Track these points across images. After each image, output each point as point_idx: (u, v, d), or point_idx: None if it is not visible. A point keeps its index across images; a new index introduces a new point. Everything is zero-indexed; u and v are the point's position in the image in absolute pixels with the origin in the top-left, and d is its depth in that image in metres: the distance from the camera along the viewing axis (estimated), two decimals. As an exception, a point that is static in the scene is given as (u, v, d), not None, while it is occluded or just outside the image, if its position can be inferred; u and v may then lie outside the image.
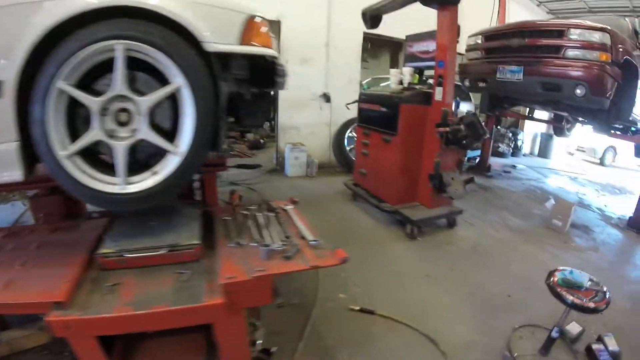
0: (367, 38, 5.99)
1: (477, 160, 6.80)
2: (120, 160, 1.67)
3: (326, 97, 5.72)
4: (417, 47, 3.99)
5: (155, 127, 1.64)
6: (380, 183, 4.14)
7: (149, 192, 1.68)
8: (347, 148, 5.68)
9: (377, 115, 4.05)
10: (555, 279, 1.86)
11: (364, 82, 6.36)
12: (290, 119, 5.70)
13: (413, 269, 3.17)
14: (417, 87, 3.81)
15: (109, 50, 1.54)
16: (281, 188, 5.24)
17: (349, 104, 4.79)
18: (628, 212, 4.80)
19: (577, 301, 1.72)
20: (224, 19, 1.67)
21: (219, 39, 1.62)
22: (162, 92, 1.64)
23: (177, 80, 1.62)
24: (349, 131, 5.55)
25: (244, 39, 1.66)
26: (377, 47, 9.76)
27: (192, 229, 1.92)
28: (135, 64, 1.59)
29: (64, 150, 1.61)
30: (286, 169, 5.70)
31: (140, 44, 1.56)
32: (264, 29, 1.76)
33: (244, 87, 1.83)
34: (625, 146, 7.61)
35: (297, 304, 2.69)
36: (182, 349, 1.95)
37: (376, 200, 4.09)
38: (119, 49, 1.53)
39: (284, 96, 5.53)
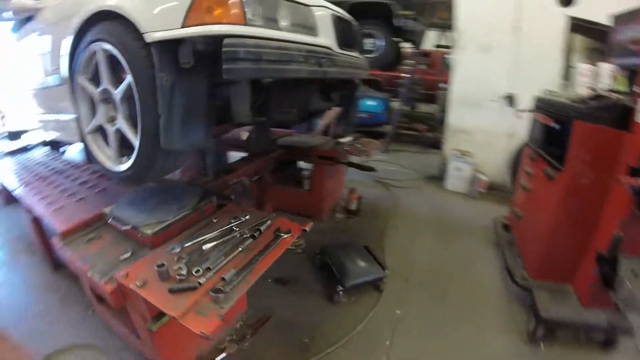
0: (579, 26, 3.82)
1: None
2: (112, 141, 1.88)
3: (510, 100, 4.18)
4: (628, 33, 2.18)
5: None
6: (527, 236, 2.76)
7: (125, 174, 1.84)
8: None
9: (545, 132, 2.62)
10: None
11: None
12: (460, 119, 4.59)
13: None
14: (616, 95, 2.14)
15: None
16: (420, 201, 4.43)
17: (521, 110, 3.31)
18: None
19: None
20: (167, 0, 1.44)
21: (159, 25, 1.43)
22: (122, 86, 1.66)
23: (128, 75, 1.61)
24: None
25: (190, 20, 1.37)
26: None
27: (164, 218, 1.91)
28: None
29: (86, 129, 1.93)
30: (445, 180, 4.73)
31: (104, 43, 1.65)
32: (232, 0, 1.38)
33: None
34: None
35: (305, 344, 2.24)
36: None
37: (514, 259, 2.77)
38: (98, 49, 1.69)
39: (457, 90, 4.48)
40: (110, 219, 1.99)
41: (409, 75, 5.96)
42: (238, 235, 1.87)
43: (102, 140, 1.99)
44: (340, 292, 2.58)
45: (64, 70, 1.97)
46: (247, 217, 2.07)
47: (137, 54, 1.50)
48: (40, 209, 2.30)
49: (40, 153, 3.47)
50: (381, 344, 2.27)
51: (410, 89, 6.27)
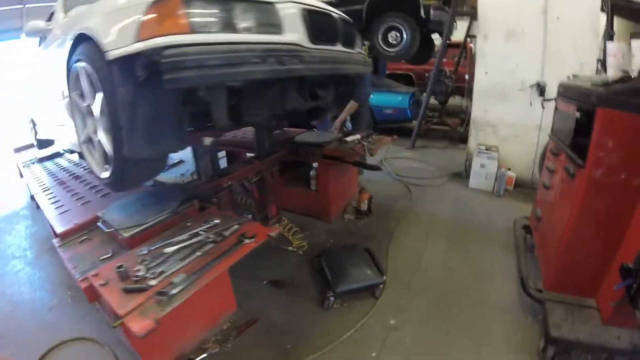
0: (617, 6, 3.13)
1: None
2: (96, 151, 1.93)
3: (540, 89, 3.62)
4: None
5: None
6: (546, 241, 2.36)
7: (107, 181, 1.89)
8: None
9: (567, 122, 2.20)
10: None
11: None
12: (486, 112, 4.10)
13: None
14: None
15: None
16: (440, 200, 4.04)
17: (547, 99, 2.81)
18: None
19: None
20: (123, 18, 1.45)
21: (116, 44, 1.45)
22: (97, 101, 1.69)
23: (100, 91, 1.65)
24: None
25: (140, 36, 1.37)
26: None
27: (142, 221, 1.96)
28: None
29: (81, 139, 2.05)
30: (470, 177, 4.29)
31: (83, 62, 1.71)
32: (178, 11, 1.36)
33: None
34: None
35: (287, 350, 2.11)
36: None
37: (532, 266, 2.39)
38: (80, 68, 1.76)
39: (481, 80, 4.02)
40: (99, 222, 2.04)
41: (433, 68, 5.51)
42: (203, 239, 1.81)
43: (94, 150, 2.04)
44: (331, 298, 2.40)
45: (64, 85, 2.08)
46: (218, 221, 2.00)
47: (104, 71, 1.52)
48: (49, 212, 2.43)
49: (66, 160, 3.66)
50: (367, 355, 2.07)
51: (439, 82, 5.81)
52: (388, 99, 6.09)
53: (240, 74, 1.44)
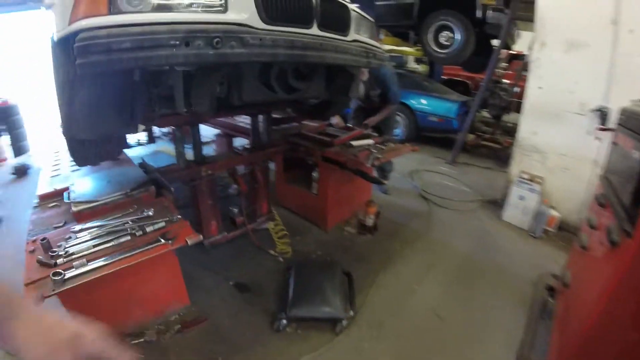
0: None
1: None
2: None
3: (602, 115, 2.68)
4: None
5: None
6: (566, 318, 1.67)
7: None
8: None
9: (625, 164, 1.47)
10: None
11: None
12: (533, 134, 3.21)
13: None
14: None
15: None
16: (462, 230, 3.32)
17: (602, 128, 1.97)
18: None
19: None
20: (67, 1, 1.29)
21: (59, 26, 1.34)
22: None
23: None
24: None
25: (72, 18, 1.22)
26: None
27: (93, 199, 1.88)
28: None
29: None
30: (504, 209, 3.49)
31: (50, 41, 1.59)
32: None
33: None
34: None
35: None
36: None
37: (541, 342, 1.72)
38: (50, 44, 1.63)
39: (533, 96, 3.17)
40: (65, 192, 2.01)
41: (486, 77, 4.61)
42: (126, 229, 1.66)
43: None
44: (283, 321, 2.00)
45: None
46: (151, 213, 1.72)
47: (53, 51, 1.49)
48: (45, 172, 2.47)
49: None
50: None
51: (493, 94, 4.91)
52: (435, 105, 5.32)
53: (155, 59, 1.21)
